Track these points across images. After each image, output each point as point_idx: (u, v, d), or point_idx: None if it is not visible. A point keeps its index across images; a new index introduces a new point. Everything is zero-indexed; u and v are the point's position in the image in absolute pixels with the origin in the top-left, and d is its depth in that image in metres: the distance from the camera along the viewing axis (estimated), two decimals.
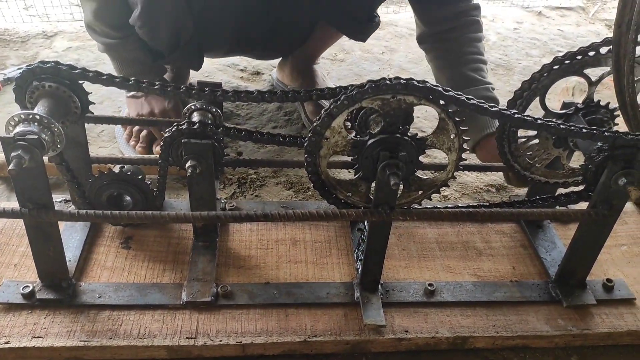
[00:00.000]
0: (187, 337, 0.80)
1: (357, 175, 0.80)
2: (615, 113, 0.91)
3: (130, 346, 0.78)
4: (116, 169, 0.86)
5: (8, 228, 0.95)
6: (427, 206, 0.86)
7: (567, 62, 0.87)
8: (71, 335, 0.78)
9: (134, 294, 0.85)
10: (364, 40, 1.40)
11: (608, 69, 0.86)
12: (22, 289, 0.82)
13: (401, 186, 0.78)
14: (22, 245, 0.92)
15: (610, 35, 0.76)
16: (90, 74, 0.78)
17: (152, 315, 0.83)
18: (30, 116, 0.69)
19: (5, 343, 0.76)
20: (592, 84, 0.89)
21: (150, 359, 0.81)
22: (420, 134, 0.76)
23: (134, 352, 0.79)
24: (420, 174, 0.80)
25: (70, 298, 0.83)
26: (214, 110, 0.87)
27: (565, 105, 0.93)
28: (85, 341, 0.78)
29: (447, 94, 0.72)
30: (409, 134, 0.75)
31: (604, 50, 0.86)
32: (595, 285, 0.94)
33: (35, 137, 0.67)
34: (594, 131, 0.78)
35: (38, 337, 0.78)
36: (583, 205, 0.89)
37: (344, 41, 1.77)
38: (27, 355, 0.77)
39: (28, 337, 0.78)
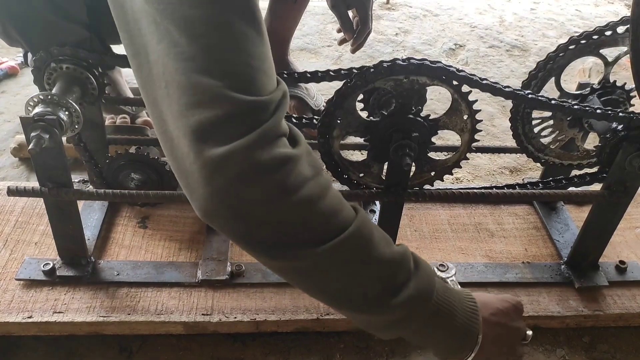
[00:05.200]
0: (202, 314, 0.82)
1: (369, 156, 0.80)
2: (632, 94, 0.89)
3: (148, 322, 0.81)
4: (132, 149, 0.88)
5: (28, 207, 0.97)
6: (440, 187, 0.87)
7: (583, 41, 0.86)
8: (91, 311, 0.81)
9: (151, 272, 0.87)
10: None
11: (625, 49, 0.85)
12: (43, 266, 0.84)
13: (413, 167, 0.79)
14: (42, 224, 0.94)
15: (629, 14, 0.75)
16: (108, 56, 0.79)
17: (168, 293, 0.85)
18: (49, 97, 0.71)
19: (28, 317, 0.79)
20: (608, 65, 0.88)
21: (167, 334, 0.83)
22: (432, 116, 0.76)
23: (151, 327, 0.82)
24: (432, 155, 0.81)
25: (90, 275, 0.85)
26: None
27: (580, 86, 0.92)
28: (104, 317, 0.80)
29: (460, 74, 0.71)
30: (421, 115, 0.76)
31: (621, 29, 0.84)
32: (608, 267, 0.94)
33: (54, 117, 0.69)
34: (609, 112, 0.78)
35: (59, 312, 0.80)
36: (597, 187, 0.89)
37: None
38: (49, 330, 0.80)
39: (49, 312, 0.80)
